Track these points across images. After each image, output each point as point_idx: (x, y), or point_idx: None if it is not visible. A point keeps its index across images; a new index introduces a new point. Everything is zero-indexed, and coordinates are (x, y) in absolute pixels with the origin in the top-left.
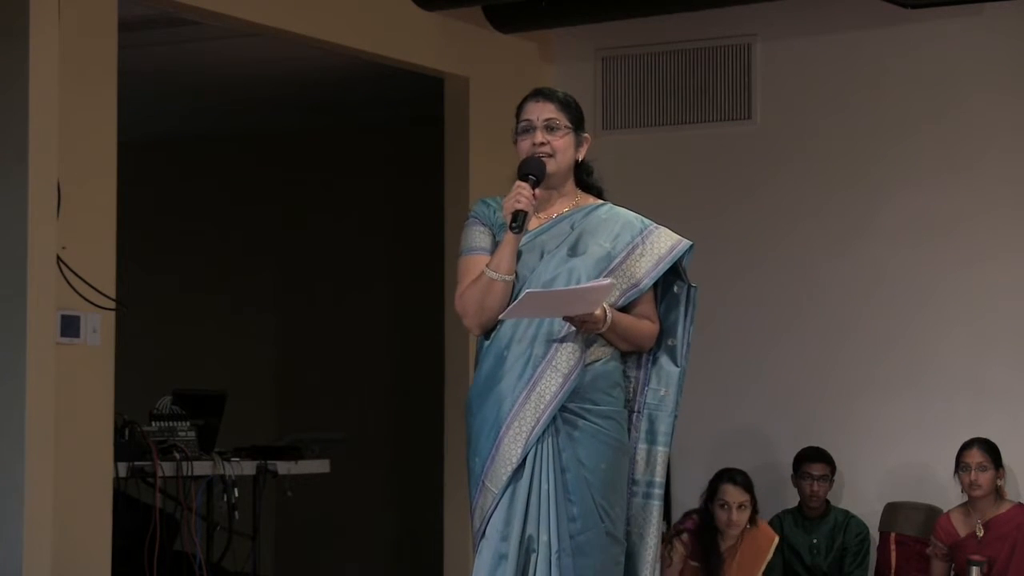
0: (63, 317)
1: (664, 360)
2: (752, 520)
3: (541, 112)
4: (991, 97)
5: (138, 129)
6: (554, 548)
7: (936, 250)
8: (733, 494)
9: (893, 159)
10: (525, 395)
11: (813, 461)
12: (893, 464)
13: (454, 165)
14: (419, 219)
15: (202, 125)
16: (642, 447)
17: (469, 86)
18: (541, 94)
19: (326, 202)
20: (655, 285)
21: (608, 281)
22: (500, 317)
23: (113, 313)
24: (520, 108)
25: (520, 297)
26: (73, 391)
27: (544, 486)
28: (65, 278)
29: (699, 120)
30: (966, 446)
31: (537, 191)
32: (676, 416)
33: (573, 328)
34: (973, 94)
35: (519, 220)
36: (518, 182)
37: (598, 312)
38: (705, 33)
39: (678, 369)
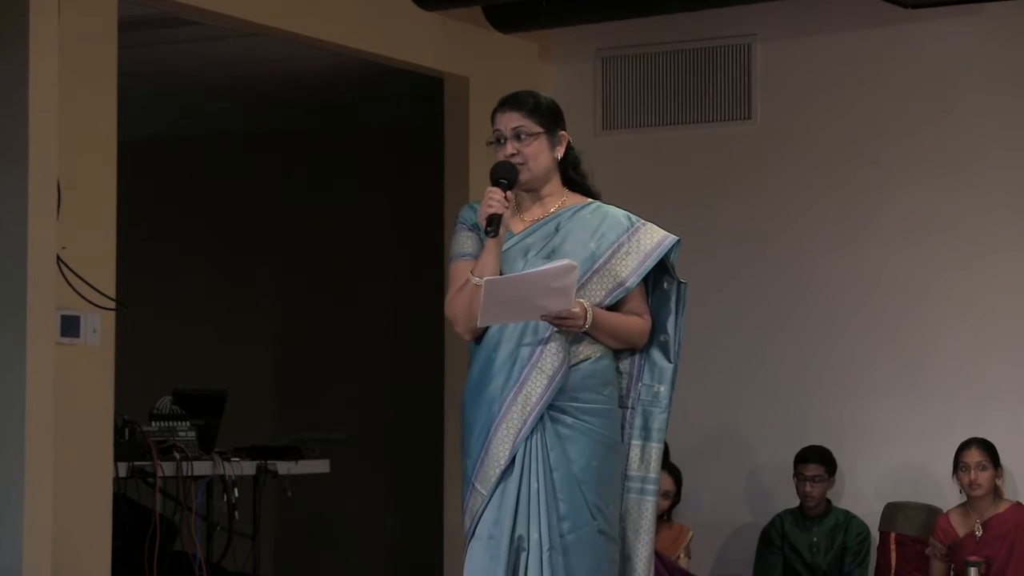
0: (63, 317)
1: (657, 356)
2: (668, 516)
3: (508, 122)
4: (990, 97)
5: (138, 129)
6: (545, 546)
7: (935, 249)
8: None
9: (892, 159)
10: (512, 397)
11: (808, 462)
12: (893, 464)
13: (454, 165)
14: (419, 219)
15: (202, 125)
16: (636, 444)
17: (469, 86)
18: (506, 103)
19: (326, 202)
20: (645, 280)
21: (567, 261)
22: (478, 324)
23: (113, 313)
24: (492, 118)
25: (483, 292)
26: (73, 391)
27: (534, 485)
28: (65, 278)
29: (699, 120)
30: (964, 446)
31: (509, 194)
32: (669, 412)
33: (557, 329)
34: (972, 94)
35: (494, 224)
36: (489, 187)
37: (576, 310)
38: (705, 33)
39: (671, 365)
